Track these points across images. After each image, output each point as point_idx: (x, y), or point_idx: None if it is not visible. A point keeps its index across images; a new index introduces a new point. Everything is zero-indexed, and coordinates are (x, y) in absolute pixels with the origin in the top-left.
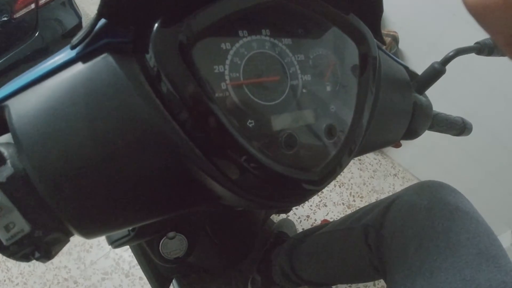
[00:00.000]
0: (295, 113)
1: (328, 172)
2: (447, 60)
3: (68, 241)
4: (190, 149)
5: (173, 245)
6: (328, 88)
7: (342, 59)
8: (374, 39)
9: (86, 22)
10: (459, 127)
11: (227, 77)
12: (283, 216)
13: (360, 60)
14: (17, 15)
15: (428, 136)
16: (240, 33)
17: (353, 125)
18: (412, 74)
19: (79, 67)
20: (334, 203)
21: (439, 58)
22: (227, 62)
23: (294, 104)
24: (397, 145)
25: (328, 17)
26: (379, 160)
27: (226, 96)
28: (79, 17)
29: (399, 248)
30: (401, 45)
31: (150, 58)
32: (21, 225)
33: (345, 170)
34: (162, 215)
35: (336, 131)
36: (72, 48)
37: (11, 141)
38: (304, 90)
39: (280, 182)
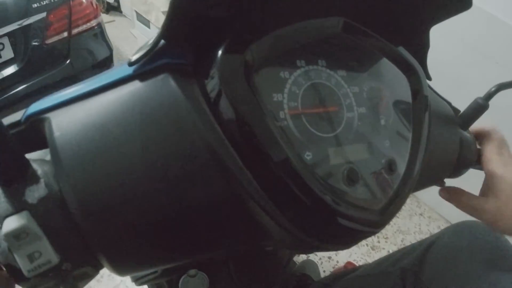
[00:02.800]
0: (352, 147)
1: (388, 211)
2: (490, 95)
3: (95, 275)
4: (247, 179)
5: (194, 284)
6: (382, 122)
7: (393, 92)
8: (424, 73)
9: (116, 56)
10: None
11: (285, 106)
12: (303, 257)
13: (412, 93)
14: (49, 41)
15: None
16: (298, 62)
17: (410, 160)
18: (455, 110)
19: (136, 85)
20: (358, 244)
21: (461, 92)
22: (286, 90)
23: (351, 137)
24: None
25: (379, 49)
26: None
27: (285, 126)
28: (110, 49)
29: None
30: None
31: (213, 81)
32: (49, 256)
33: None
34: (206, 253)
35: (396, 166)
36: (130, 65)
37: (47, 158)
38: (359, 123)
39: (339, 222)
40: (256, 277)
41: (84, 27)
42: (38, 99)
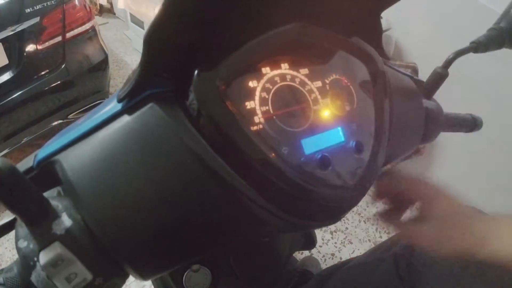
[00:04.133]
0: (323, 135)
1: (361, 187)
2: (448, 63)
3: (123, 285)
4: (235, 179)
5: (197, 279)
6: (347, 108)
7: (354, 80)
8: (379, 56)
9: (111, 59)
10: (469, 124)
11: (258, 111)
12: (306, 253)
13: (370, 76)
14: (43, 46)
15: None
16: (263, 70)
17: (376, 138)
18: (418, 82)
19: (128, 117)
20: (360, 240)
21: (459, 84)
22: (256, 98)
23: (321, 126)
24: (420, 152)
25: (335, 43)
26: None
27: (261, 129)
28: (105, 52)
29: (430, 277)
30: (420, 76)
31: (192, 101)
32: (83, 275)
33: (370, 204)
34: (214, 247)
35: (363, 146)
36: (119, 101)
37: (59, 194)
38: (326, 113)
39: (319, 201)
40: (257, 271)
41: (78, 30)
42: (36, 105)
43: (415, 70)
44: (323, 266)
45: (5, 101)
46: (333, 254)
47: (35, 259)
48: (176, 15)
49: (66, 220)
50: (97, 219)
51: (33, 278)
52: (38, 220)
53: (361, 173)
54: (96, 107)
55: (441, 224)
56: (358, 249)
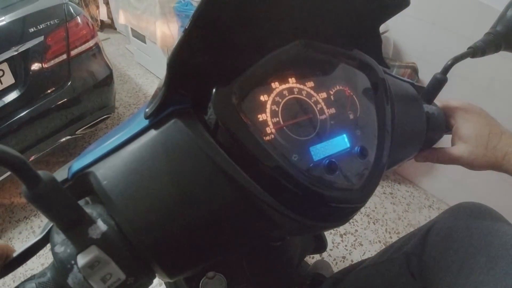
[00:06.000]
0: (329, 142)
1: (367, 188)
2: (446, 69)
3: (150, 285)
4: (251, 185)
5: (213, 285)
6: (351, 116)
7: (357, 89)
8: (379, 66)
9: (115, 73)
10: None
11: (270, 123)
12: (317, 258)
13: (371, 85)
14: (49, 64)
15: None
16: (273, 85)
17: (379, 142)
18: (418, 88)
19: (154, 132)
20: (370, 241)
21: (459, 82)
22: (267, 110)
23: (327, 134)
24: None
25: (337, 56)
26: (412, 193)
27: (272, 138)
28: (110, 68)
29: (442, 271)
30: (420, 75)
31: (211, 116)
32: (118, 275)
33: (378, 205)
34: (231, 249)
35: (367, 151)
36: (146, 118)
37: (87, 203)
38: (332, 122)
39: (328, 203)
40: (270, 275)
41: (82, 48)
42: (43, 122)
43: (415, 70)
44: (335, 270)
45: (13, 119)
46: (344, 257)
47: (73, 262)
48: (194, 41)
49: (101, 226)
50: (130, 223)
51: (70, 280)
52: (74, 226)
53: (367, 175)
54: (123, 122)
55: (475, 143)
56: (369, 251)
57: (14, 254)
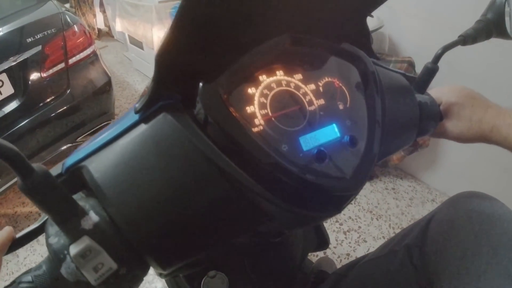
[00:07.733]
0: (319, 132)
1: (358, 176)
2: (437, 58)
3: (142, 279)
4: (242, 176)
5: (215, 284)
6: (341, 107)
7: (346, 81)
8: (369, 58)
9: (113, 80)
10: None
11: (258, 114)
12: (321, 255)
13: (361, 77)
14: (47, 73)
15: (461, 156)
16: (260, 78)
17: (370, 132)
18: (410, 78)
19: (144, 126)
20: (374, 237)
21: (456, 75)
22: (255, 102)
23: (316, 125)
24: (426, 144)
25: (326, 49)
26: (414, 187)
27: (261, 130)
28: (108, 76)
29: (444, 261)
30: (417, 69)
31: (200, 110)
32: (109, 264)
33: (381, 201)
34: (225, 240)
35: (357, 140)
36: (136, 112)
37: (82, 197)
38: (321, 112)
39: (320, 191)
40: (272, 274)
41: (80, 56)
42: (44, 131)
43: (411, 64)
44: (339, 267)
45: (13, 129)
46: (348, 254)
47: (65, 252)
48: (180, 38)
49: (93, 217)
50: (122, 214)
51: (63, 270)
52: (67, 219)
53: (357, 164)
54: (115, 119)
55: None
56: (373, 247)
57: (17, 236)
